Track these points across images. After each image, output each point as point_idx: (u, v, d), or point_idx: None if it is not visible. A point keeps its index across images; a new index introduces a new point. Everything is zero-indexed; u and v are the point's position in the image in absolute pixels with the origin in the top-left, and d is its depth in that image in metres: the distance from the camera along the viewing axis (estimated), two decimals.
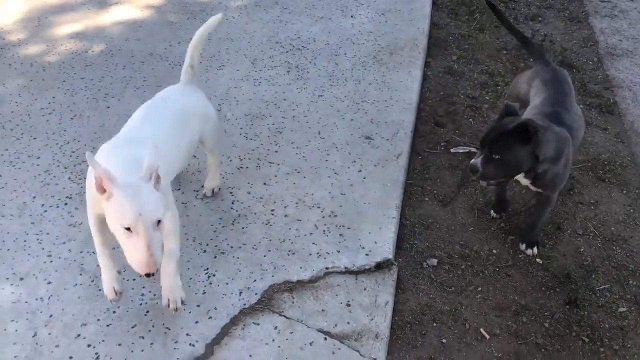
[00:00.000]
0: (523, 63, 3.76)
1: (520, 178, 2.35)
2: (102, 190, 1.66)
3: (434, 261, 2.46)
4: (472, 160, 2.22)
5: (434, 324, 2.22)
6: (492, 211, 2.68)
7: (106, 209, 1.68)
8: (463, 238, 2.56)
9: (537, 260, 2.48)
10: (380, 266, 2.35)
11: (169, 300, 2.03)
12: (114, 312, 2.10)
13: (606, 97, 3.49)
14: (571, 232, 2.63)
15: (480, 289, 2.35)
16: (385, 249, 2.40)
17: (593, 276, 2.43)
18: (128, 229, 1.63)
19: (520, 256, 2.50)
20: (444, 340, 2.16)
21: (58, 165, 2.70)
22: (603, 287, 2.38)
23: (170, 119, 2.13)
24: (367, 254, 2.37)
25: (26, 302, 2.11)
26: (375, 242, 2.42)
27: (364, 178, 2.73)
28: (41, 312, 2.08)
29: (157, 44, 3.63)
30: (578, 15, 4.36)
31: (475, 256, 2.48)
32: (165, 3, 4.10)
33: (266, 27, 3.85)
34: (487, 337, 2.18)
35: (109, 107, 3.10)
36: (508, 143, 2.16)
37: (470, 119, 3.29)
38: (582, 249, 2.56)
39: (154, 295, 2.16)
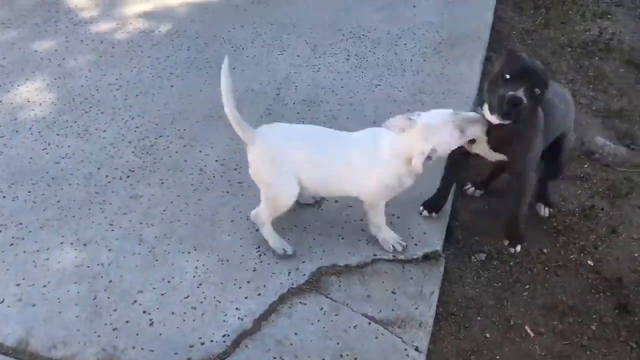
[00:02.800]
0: (587, 61, 3.66)
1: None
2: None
3: (482, 256, 2.46)
4: (512, 93, 1.95)
5: (478, 318, 2.23)
6: (422, 208, 2.50)
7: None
8: None
9: (589, 262, 2.44)
10: (427, 257, 2.36)
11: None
12: (169, 282, 2.20)
13: None
14: (626, 236, 2.57)
15: (527, 286, 2.34)
16: (434, 240, 2.41)
17: None
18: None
19: (571, 257, 2.47)
20: (487, 335, 2.17)
21: (122, 140, 2.83)
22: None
23: None
24: (415, 244, 2.39)
25: (88, 266, 2.24)
26: (425, 233, 2.44)
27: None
28: (101, 277, 2.20)
29: (222, 27, 3.72)
30: None
31: (524, 254, 2.46)
32: None
33: (328, 14, 3.88)
34: (532, 335, 2.18)
35: (172, 86, 3.21)
36: (546, 81, 2.04)
37: None
38: (636, 254, 2.50)
39: (207, 269, 2.25)
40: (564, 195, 2.69)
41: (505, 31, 3.96)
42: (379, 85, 3.25)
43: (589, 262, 2.44)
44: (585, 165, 2.90)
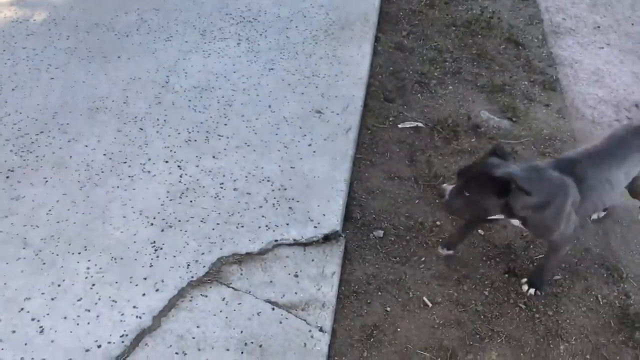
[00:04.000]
0: (471, 39, 3.83)
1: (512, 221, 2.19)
2: None
3: (380, 232, 2.52)
4: (444, 185, 2.11)
5: (379, 293, 2.28)
6: (440, 247, 2.44)
7: None
8: (409, 210, 2.63)
9: (480, 232, 2.57)
10: (328, 238, 2.39)
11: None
12: (59, 285, 2.08)
13: (549, 74, 3.60)
14: None
15: (423, 259, 2.43)
16: (334, 221, 2.44)
17: (532, 247, 2.53)
18: None
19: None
20: (388, 309, 2.23)
21: None
22: (540, 256, 2.49)
23: None
24: (315, 226, 2.40)
25: None
26: (324, 215, 2.46)
27: (314, 152, 2.75)
28: None
29: (103, 14, 3.53)
30: None
31: (419, 227, 2.55)
32: None
33: None
34: (430, 305, 2.27)
35: (52, 78, 3.01)
36: (482, 188, 2.00)
37: (419, 95, 3.34)
38: None
39: (100, 268, 2.15)
40: (454, 170, 2.80)
41: (393, 12, 4.06)
42: (272, 69, 3.22)
43: (479, 231, 2.57)
44: (472, 140, 3.04)
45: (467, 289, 2.34)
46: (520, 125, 3.19)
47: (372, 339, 2.13)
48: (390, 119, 3.14)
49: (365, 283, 2.31)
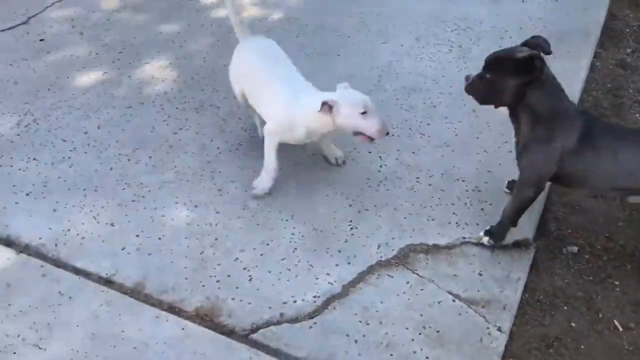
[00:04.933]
0: None
1: None
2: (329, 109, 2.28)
3: (575, 248, 2.44)
4: (467, 74, 2.27)
5: (565, 307, 2.23)
6: (483, 234, 2.38)
7: (336, 116, 2.30)
8: (609, 230, 2.51)
9: None
10: (518, 244, 2.39)
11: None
12: (268, 244, 2.38)
13: None
14: None
15: (619, 282, 2.31)
16: (526, 228, 2.43)
17: None
18: (364, 113, 2.26)
19: None
20: (573, 324, 2.17)
21: (233, 116, 3.05)
22: None
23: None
24: None
25: (198, 225, 2.47)
26: None
27: (513, 159, 2.75)
28: (209, 235, 2.43)
29: (329, 16, 3.88)
30: None
31: (619, 250, 2.42)
32: None
33: (434, 6, 3.94)
34: (621, 329, 2.16)
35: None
36: (504, 68, 2.10)
37: (638, 114, 3.14)
38: None
39: (302, 236, 2.42)
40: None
41: (618, 28, 3.84)
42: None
43: None
44: None
45: None
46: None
47: (551, 349, 2.09)
48: None
49: (551, 295, 2.27)
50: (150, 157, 2.80)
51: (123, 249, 2.37)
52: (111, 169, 2.73)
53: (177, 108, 3.11)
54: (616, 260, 2.39)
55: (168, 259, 2.33)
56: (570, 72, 3.29)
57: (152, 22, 3.83)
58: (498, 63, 2.14)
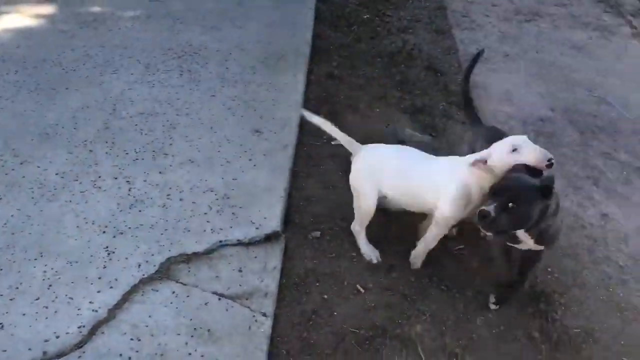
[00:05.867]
0: (395, 69, 4.22)
1: (524, 239, 2.28)
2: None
3: (318, 233, 2.77)
4: (484, 207, 2.13)
5: (317, 284, 2.52)
6: (492, 302, 2.52)
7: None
8: (342, 214, 2.89)
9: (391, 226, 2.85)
10: (269, 238, 2.62)
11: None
12: (17, 288, 2.22)
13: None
14: None
15: (355, 254, 2.69)
16: (274, 223, 2.68)
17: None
18: (514, 151, 2.24)
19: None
20: (325, 297, 2.47)
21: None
22: (459, 247, 2.79)
23: None
24: (257, 228, 2.64)
25: None
26: (265, 218, 2.70)
27: (254, 165, 3.00)
28: None
29: (49, 51, 3.73)
30: (442, 28, 4.93)
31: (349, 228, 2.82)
32: (56, 13, 4.20)
33: (159, 36, 4.06)
34: (363, 291, 2.52)
35: (1, 108, 3.18)
36: (529, 195, 2.11)
37: (349, 116, 3.67)
38: None
39: (56, 272, 2.31)
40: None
41: (324, 46, 4.42)
42: (213, 96, 3.49)
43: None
44: None
45: (395, 276, 2.60)
46: (440, 140, 3.55)
47: (311, 322, 2.35)
48: (324, 137, 3.43)
49: (304, 276, 2.55)
50: None
51: None
52: None
53: None
54: (350, 236, 2.77)
55: None
56: (290, 86, 3.70)
57: None
58: (518, 192, 2.12)
